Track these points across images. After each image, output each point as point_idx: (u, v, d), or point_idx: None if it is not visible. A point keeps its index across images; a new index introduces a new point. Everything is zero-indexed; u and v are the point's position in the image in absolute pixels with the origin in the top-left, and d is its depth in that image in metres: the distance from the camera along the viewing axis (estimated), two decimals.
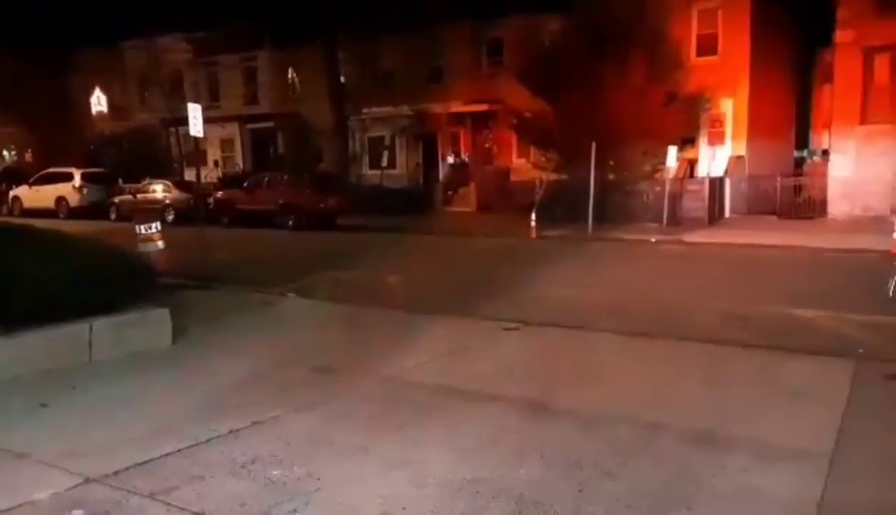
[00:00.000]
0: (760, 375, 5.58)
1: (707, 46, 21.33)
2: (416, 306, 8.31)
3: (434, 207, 24.36)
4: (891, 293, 8.65)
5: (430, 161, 28.25)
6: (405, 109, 25.98)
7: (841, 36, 18.97)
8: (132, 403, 4.93)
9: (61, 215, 24.38)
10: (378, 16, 22.48)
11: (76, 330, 5.78)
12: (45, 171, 26.38)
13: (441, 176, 27.39)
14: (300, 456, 3.96)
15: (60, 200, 25.26)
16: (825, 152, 21.27)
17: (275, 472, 3.76)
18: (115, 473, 3.71)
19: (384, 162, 27.84)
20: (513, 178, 24.21)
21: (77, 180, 25.39)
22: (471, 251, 15.45)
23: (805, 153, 25.26)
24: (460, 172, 26.38)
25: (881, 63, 18.92)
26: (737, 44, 20.79)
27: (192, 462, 3.89)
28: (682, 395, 5.10)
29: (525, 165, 23.44)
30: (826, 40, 20.10)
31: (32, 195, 25.82)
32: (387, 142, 28.17)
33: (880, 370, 5.54)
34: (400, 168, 28.46)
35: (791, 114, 25.65)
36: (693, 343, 6.55)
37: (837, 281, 10.63)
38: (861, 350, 6.25)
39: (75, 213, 24.42)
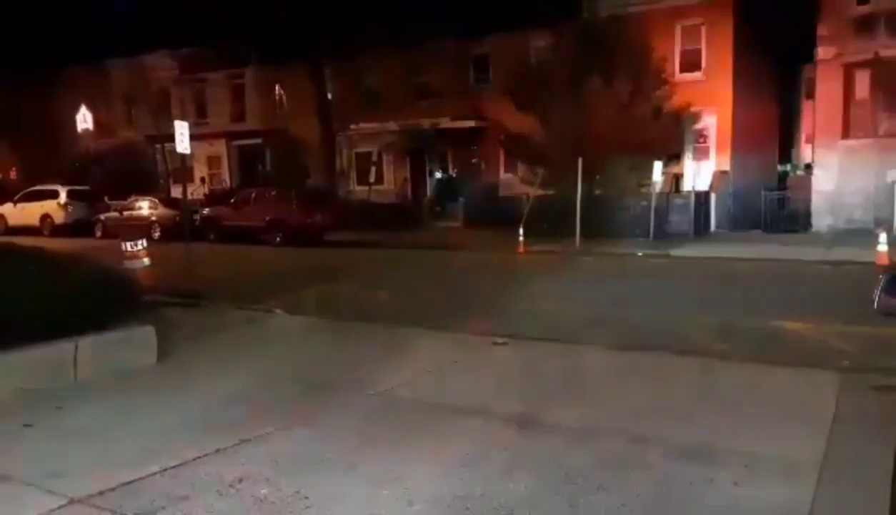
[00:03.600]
0: (748, 387, 5.60)
1: (691, 63, 21.63)
2: (405, 322, 8.29)
3: (422, 222, 24.38)
4: (875, 305, 8.72)
5: (418, 177, 28.32)
6: (392, 125, 26.04)
7: (822, 53, 19.31)
8: (117, 422, 4.87)
9: (46, 233, 24.18)
10: (364, 33, 22.58)
11: (61, 349, 5.71)
12: (30, 188, 26.20)
13: (429, 191, 27.45)
14: (288, 474, 3.91)
15: (45, 217, 25.09)
16: (808, 166, 21.56)
17: (262, 491, 3.72)
18: (101, 493, 3.66)
19: (372, 178, 27.89)
20: (500, 193, 24.32)
21: (62, 198, 25.23)
22: (459, 266, 15.46)
23: (789, 167, 25.59)
24: (448, 188, 26.46)
25: (862, 79, 19.24)
26: (720, 60, 21.08)
27: (178, 481, 3.83)
28: (670, 408, 5.10)
29: (513, 181, 23.54)
30: (808, 57, 20.44)
31: (17, 213, 25.63)
32: (374, 158, 28.22)
33: (866, 381, 5.57)
34: (387, 184, 28.51)
35: (774, 129, 25.97)
36: (681, 356, 6.57)
37: (823, 293, 10.72)
38: (847, 362, 6.30)
39: (60, 230, 24.23)
